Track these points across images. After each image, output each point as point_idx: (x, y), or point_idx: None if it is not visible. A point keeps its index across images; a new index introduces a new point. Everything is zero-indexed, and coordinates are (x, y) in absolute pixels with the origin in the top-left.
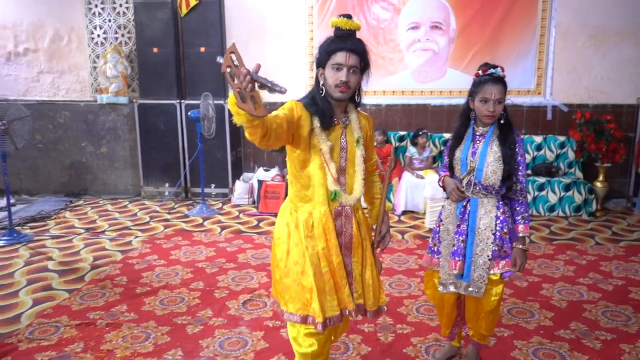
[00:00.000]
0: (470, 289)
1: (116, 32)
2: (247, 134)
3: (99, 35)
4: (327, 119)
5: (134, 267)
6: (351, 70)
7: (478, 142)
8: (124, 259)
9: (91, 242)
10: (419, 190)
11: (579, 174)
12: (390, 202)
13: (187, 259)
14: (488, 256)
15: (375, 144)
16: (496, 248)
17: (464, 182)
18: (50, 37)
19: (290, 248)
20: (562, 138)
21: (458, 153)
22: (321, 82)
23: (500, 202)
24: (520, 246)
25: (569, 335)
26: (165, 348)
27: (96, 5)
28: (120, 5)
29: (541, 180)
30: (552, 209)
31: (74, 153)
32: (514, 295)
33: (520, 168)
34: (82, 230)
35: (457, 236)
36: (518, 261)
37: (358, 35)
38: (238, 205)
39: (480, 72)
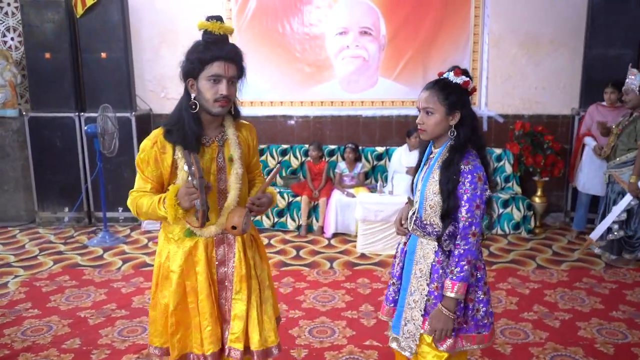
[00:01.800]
0: (402, 344)
1: (4, 35)
2: (141, 217)
3: None
4: (193, 142)
5: None
6: (231, 82)
7: (428, 165)
8: None
9: None
10: (350, 210)
11: (517, 189)
12: (317, 221)
13: (69, 307)
14: (420, 310)
15: (308, 159)
16: (428, 305)
17: (410, 213)
18: None
19: (159, 281)
20: (498, 150)
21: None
22: (193, 96)
23: (439, 248)
24: (443, 309)
25: None
26: None
27: None
28: (8, 5)
29: None
30: (489, 227)
31: None
32: None
33: (465, 207)
34: None
35: (393, 277)
36: (433, 324)
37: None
38: (149, 232)
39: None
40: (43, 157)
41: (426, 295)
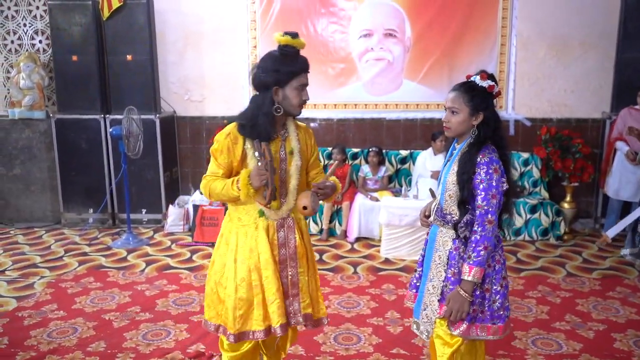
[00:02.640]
0: (420, 327)
1: (32, 38)
2: (213, 198)
3: (12, 42)
4: (267, 138)
5: (23, 322)
6: (304, 88)
7: (450, 159)
8: (15, 310)
9: None
10: (374, 214)
11: (545, 194)
12: (340, 225)
13: (94, 309)
14: (437, 295)
15: (331, 162)
16: (446, 290)
17: (433, 204)
18: None
19: (226, 261)
20: (525, 155)
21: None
22: (276, 101)
23: (457, 235)
24: (460, 291)
25: None
26: None
27: (9, 8)
28: (37, 8)
29: None
30: (517, 232)
31: None
32: None
33: (481, 195)
34: None
35: (418, 266)
36: (450, 305)
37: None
38: (171, 234)
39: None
40: (69, 159)
41: (443, 281)
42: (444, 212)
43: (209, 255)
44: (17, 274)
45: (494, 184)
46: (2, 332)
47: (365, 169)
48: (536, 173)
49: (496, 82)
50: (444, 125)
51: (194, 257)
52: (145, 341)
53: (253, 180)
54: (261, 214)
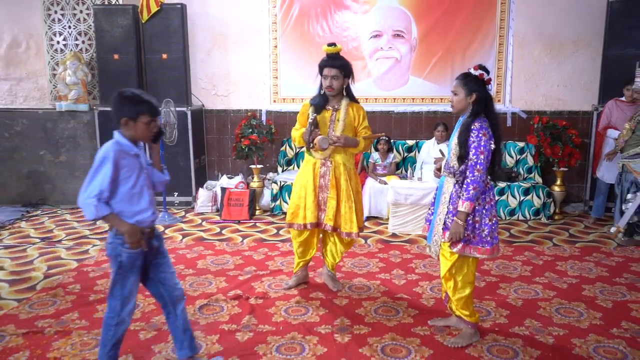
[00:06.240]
0: (431, 249)
1: (76, 39)
2: (295, 141)
3: (58, 42)
4: (319, 106)
5: (88, 275)
6: (333, 78)
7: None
8: (78, 267)
9: (46, 251)
10: (383, 196)
11: (538, 179)
12: None
13: None
14: (442, 224)
15: None
16: (448, 220)
17: (443, 162)
18: (7, 44)
19: (295, 182)
20: (521, 144)
21: None
22: (323, 85)
23: (456, 181)
24: (456, 219)
25: (522, 332)
26: None
27: (56, 12)
28: (81, 12)
29: (501, 185)
30: (512, 212)
31: (32, 162)
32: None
33: (472, 151)
34: (37, 240)
35: (431, 206)
36: (450, 230)
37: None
38: (201, 214)
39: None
40: None
41: (446, 215)
42: (450, 165)
43: (236, 231)
44: (72, 243)
45: (482, 143)
46: (73, 281)
47: (375, 155)
48: (530, 160)
49: (487, 72)
50: (450, 104)
51: (224, 232)
52: (192, 288)
53: (304, 134)
54: (309, 154)
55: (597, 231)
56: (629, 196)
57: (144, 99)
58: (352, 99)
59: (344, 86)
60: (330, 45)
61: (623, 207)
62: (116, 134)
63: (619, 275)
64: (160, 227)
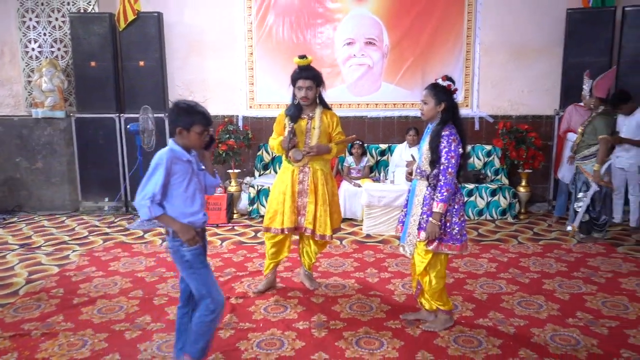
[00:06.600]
0: (405, 248)
1: (52, 46)
2: (273, 149)
3: (33, 49)
4: (295, 116)
5: (71, 279)
6: (308, 89)
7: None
8: (60, 272)
9: (26, 257)
10: (357, 199)
11: (505, 180)
12: None
13: (127, 270)
14: (417, 225)
15: None
16: (422, 221)
17: (414, 166)
18: None
19: (274, 187)
20: (488, 147)
21: None
22: (295, 96)
23: (429, 184)
24: (432, 220)
25: (486, 324)
26: (102, 353)
27: (30, 19)
28: (56, 19)
29: (470, 186)
30: (480, 213)
31: (7, 169)
32: None
33: (444, 157)
34: (16, 247)
35: (403, 207)
36: (427, 230)
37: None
38: None
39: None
40: (87, 153)
41: (420, 216)
42: (421, 169)
43: (215, 234)
44: (52, 249)
45: (452, 148)
46: (56, 285)
47: (350, 159)
48: (497, 163)
49: (453, 82)
50: (421, 113)
51: None
52: (174, 290)
53: (282, 142)
54: (288, 162)
55: (559, 229)
56: (580, 195)
57: (198, 110)
58: (325, 106)
59: (317, 95)
60: (301, 57)
61: (575, 206)
62: (170, 142)
63: (576, 270)
64: (139, 232)
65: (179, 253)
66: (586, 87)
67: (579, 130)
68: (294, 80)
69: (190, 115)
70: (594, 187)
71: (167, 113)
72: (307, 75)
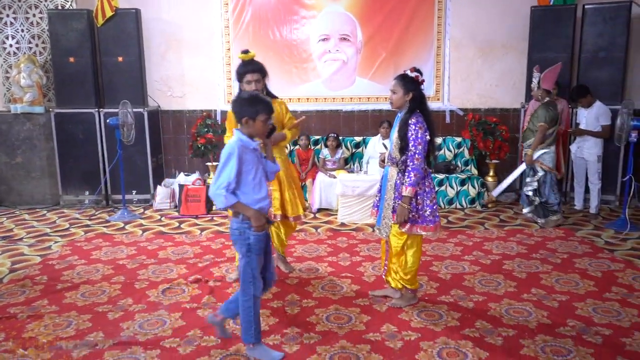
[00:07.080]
0: (381, 231)
1: (30, 42)
2: None
3: (11, 45)
4: None
5: (54, 267)
6: (257, 82)
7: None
8: (43, 261)
9: (8, 249)
10: (332, 189)
11: (474, 171)
12: (306, 200)
13: (108, 258)
14: (390, 209)
15: (297, 147)
16: (395, 204)
17: (386, 154)
18: None
19: None
20: (458, 139)
21: None
22: (241, 89)
23: (399, 170)
24: (401, 203)
25: (448, 300)
26: (87, 332)
27: (8, 15)
28: (34, 16)
29: (440, 176)
30: (450, 202)
31: None
32: None
33: (411, 143)
34: None
35: (377, 193)
36: (397, 213)
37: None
38: (160, 210)
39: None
40: (66, 148)
41: (393, 200)
42: (392, 156)
43: (194, 225)
44: (34, 240)
45: (419, 135)
46: (40, 273)
47: (325, 152)
48: (467, 154)
49: (421, 74)
50: (389, 101)
51: (182, 226)
52: (154, 275)
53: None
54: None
55: (524, 216)
56: (528, 179)
57: (261, 99)
58: (272, 96)
59: (264, 86)
60: (244, 52)
61: (525, 190)
62: (237, 132)
63: (535, 252)
64: (119, 223)
65: (244, 235)
66: (535, 80)
67: (527, 119)
68: (241, 75)
69: (254, 105)
70: (539, 173)
71: (231, 105)
72: (254, 69)
